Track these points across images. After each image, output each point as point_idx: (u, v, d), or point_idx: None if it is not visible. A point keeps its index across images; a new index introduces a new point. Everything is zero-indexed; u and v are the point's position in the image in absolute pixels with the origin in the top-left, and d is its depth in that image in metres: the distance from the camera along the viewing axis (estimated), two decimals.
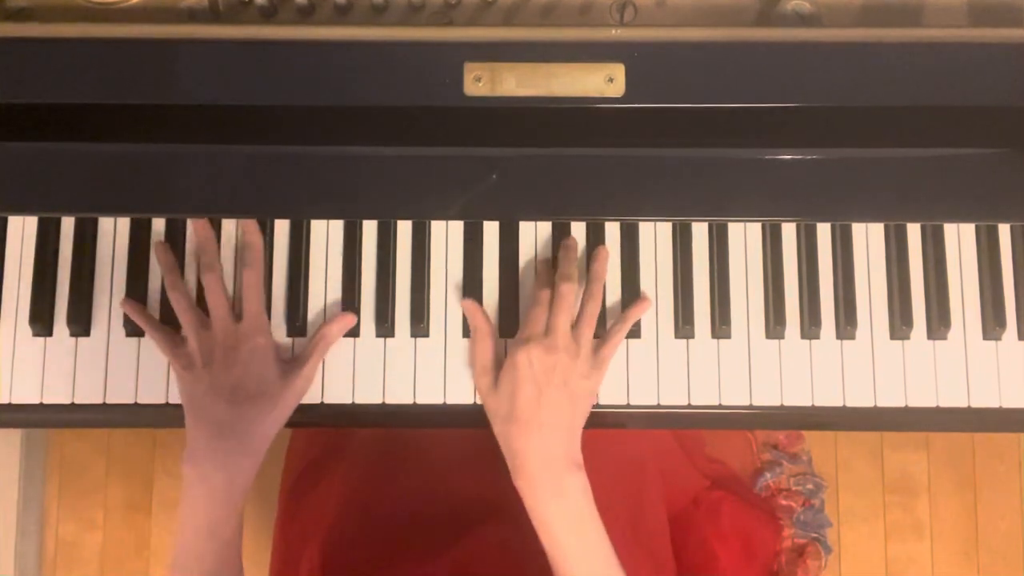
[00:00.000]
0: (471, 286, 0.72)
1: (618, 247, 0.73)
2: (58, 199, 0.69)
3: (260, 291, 0.69)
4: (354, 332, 0.72)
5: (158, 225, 0.73)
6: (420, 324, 0.71)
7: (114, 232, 0.73)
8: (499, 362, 0.69)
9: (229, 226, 0.73)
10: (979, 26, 0.70)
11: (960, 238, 0.74)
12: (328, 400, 0.71)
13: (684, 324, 0.72)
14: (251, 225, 0.71)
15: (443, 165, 0.68)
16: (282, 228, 0.73)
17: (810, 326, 0.72)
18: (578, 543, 0.64)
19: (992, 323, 0.72)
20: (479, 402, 0.71)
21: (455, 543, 0.76)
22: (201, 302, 0.70)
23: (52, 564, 1.52)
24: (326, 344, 0.70)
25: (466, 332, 0.72)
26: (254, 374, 0.66)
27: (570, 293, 0.68)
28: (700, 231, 0.74)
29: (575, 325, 0.68)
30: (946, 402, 0.72)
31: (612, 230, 0.73)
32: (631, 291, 0.72)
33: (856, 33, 0.68)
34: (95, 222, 0.73)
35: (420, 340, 0.72)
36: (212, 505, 0.63)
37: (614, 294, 0.73)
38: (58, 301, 0.72)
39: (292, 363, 0.69)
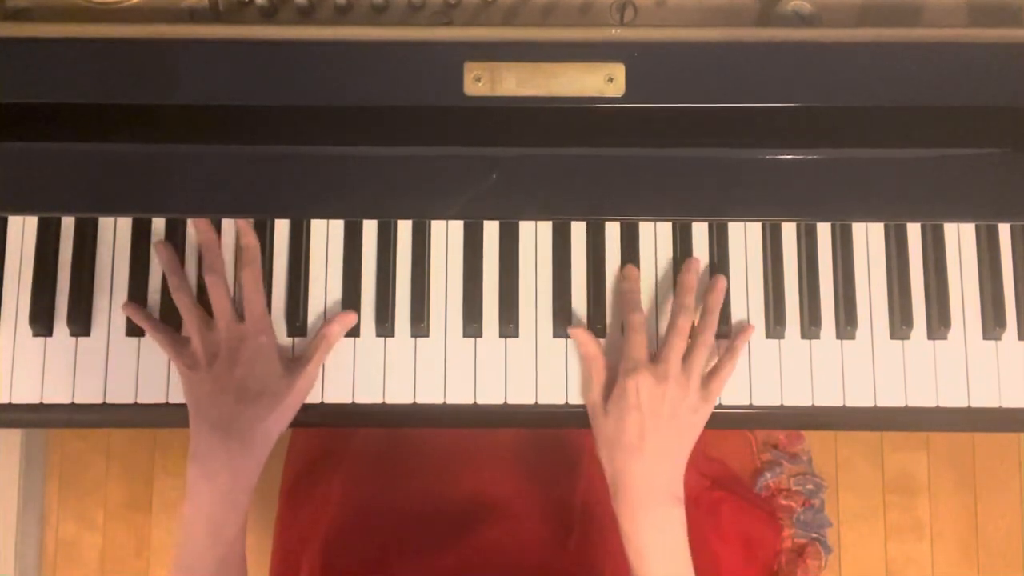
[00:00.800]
0: (471, 286, 0.72)
1: (618, 247, 0.73)
2: (58, 199, 0.69)
3: (261, 291, 0.69)
4: (354, 332, 0.72)
5: (158, 225, 0.73)
6: (420, 324, 0.71)
7: (114, 232, 0.73)
8: (610, 385, 0.68)
9: (229, 226, 0.73)
10: (979, 26, 0.70)
11: (960, 238, 0.74)
12: (328, 400, 0.71)
13: None
14: (247, 226, 0.71)
15: (443, 165, 0.68)
16: (282, 228, 0.73)
17: (810, 326, 0.72)
18: (667, 574, 0.64)
19: (992, 323, 0.72)
20: (479, 402, 0.71)
21: (455, 543, 0.76)
22: (203, 303, 0.70)
23: (52, 564, 1.52)
24: (328, 343, 0.70)
25: (466, 332, 0.72)
26: (258, 373, 0.66)
27: (687, 324, 0.68)
28: (700, 231, 0.74)
29: (686, 356, 0.68)
30: (946, 402, 0.72)
31: (612, 230, 0.73)
32: None
33: (856, 33, 0.68)
34: (95, 222, 0.73)
35: (420, 340, 0.72)
36: (216, 505, 0.63)
37: (613, 293, 0.73)
38: (58, 301, 0.72)
39: (295, 362, 0.69)
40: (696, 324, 0.70)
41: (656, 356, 0.67)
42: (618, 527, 0.65)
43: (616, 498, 0.65)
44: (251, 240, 0.71)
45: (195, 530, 0.63)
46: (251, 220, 0.72)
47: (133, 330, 0.71)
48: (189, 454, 0.64)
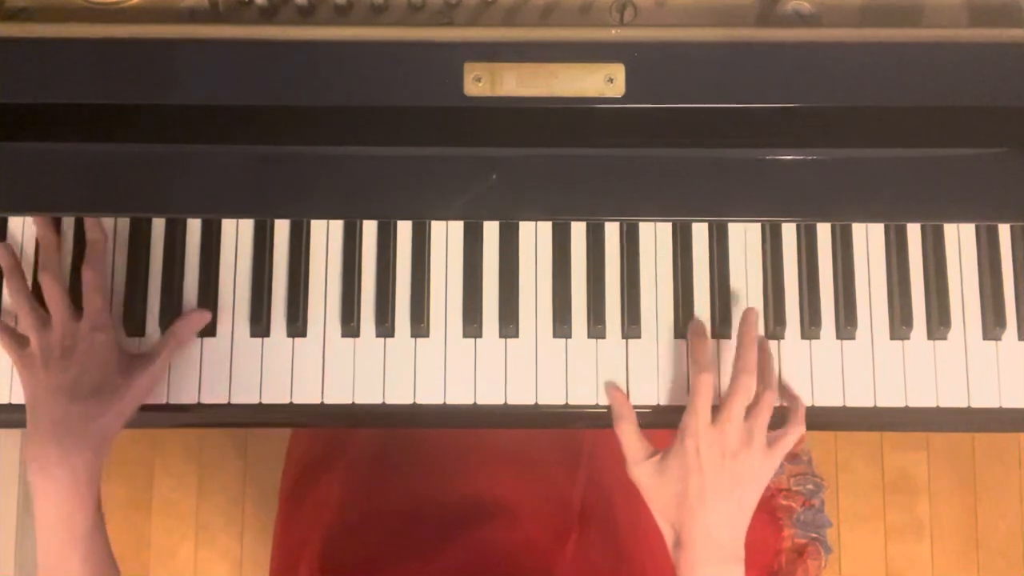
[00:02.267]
0: (471, 286, 0.72)
1: (618, 247, 0.73)
2: (58, 199, 0.69)
3: (100, 288, 0.69)
4: (354, 332, 0.72)
5: (158, 225, 0.73)
6: (420, 324, 0.71)
7: (114, 232, 0.73)
8: (649, 447, 0.68)
9: (229, 227, 0.73)
10: (979, 26, 0.70)
11: (960, 238, 0.74)
12: (328, 400, 0.71)
13: (684, 324, 0.72)
14: (92, 222, 0.71)
15: (443, 165, 0.68)
16: (282, 228, 0.73)
17: (810, 326, 0.72)
18: None
19: (992, 323, 0.72)
20: (479, 402, 0.71)
21: (454, 543, 0.76)
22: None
23: None
24: (176, 341, 0.69)
25: (466, 332, 0.72)
26: (92, 372, 0.65)
27: (752, 385, 0.66)
28: (700, 231, 0.74)
29: (748, 415, 0.66)
30: (946, 402, 0.72)
31: (612, 230, 0.73)
32: (631, 291, 0.72)
33: (856, 33, 0.68)
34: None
35: (420, 340, 0.72)
36: (60, 502, 0.63)
37: (613, 293, 0.73)
38: None
39: (138, 359, 0.68)
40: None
41: (718, 416, 0.65)
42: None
43: (676, 551, 0.65)
44: (96, 236, 0.70)
45: (46, 531, 0.63)
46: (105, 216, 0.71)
47: (133, 330, 0.71)
48: (27, 457, 0.64)
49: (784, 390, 0.72)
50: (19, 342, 0.68)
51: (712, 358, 0.69)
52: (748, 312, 0.70)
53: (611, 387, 0.71)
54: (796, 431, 0.68)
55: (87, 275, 0.69)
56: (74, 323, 0.67)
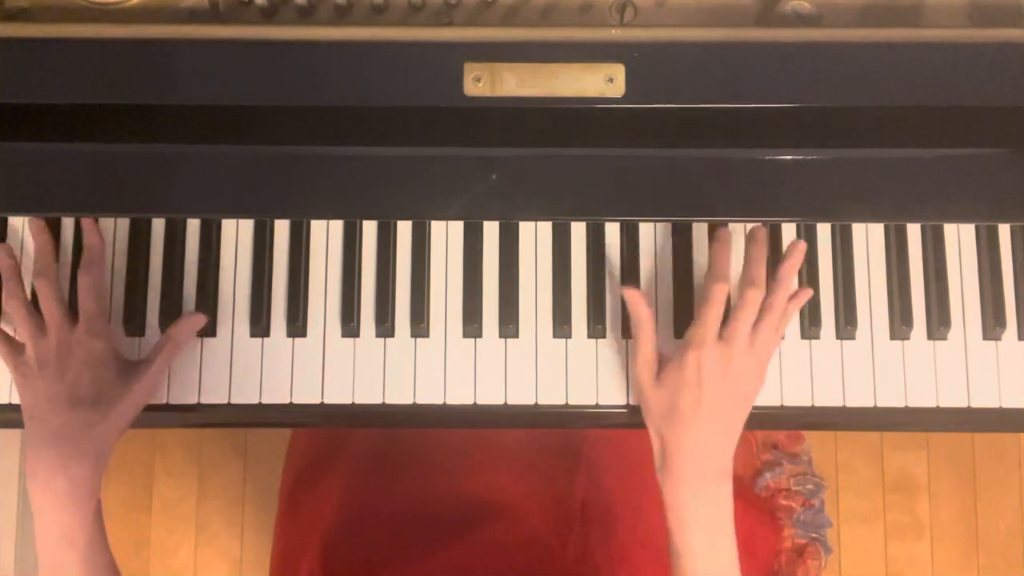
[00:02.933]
0: (471, 286, 0.72)
1: (618, 247, 0.73)
2: (58, 199, 0.69)
3: (96, 293, 0.68)
4: (354, 332, 0.72)
5: (158, 225, 0.73)
6: (420, 324, 0.71)
7: (114, 232, 0.73)
8: (660, 354, 0.67)
9: (229, 227, 0.73)
10: (979, 26, 0.70)
11: (960, 238, 0.74)
12: (328, 400, 0.71)
13: (684, 325, 0.72)
14: (91, 225, 0.70)
15: (443, 165, 0.68)
16: (282, 228, 0.73)
17: (810, 326, 0.72)
18: (710, 551, 0.63)
19: (992, 323, 0.72)
20: (479, 402, 0.71)
21: (455, 543, 0.76)
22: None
23: None
24: (173, 345, 0.69)
25: (466, 332, 0.72)
26: (90, 378, 0.65)
27: (757, 299, 0.66)
28: (700, 231, 0.74)
29: (754, 327, 0.65)
30: (946, 402, 0.72)
31: (612, 230, 0.73)
32: None
33: (856, 33, 0.68)
34: (95, 222, 0.73)
35: (420, 340, 0.72)
36: (60, 512, 0.62)
37: (614, 295, 0.73)
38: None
39: (135, 365, 0.68)
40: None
41: (724, 330, 0.65)
42: (661, 498, 0.64)
43: (662, 468, 0.64)
44: (93, 240, 0.70)
45: (47, 542, 0.63)
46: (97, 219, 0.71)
47: (132, 330, 0.71)
48: (26, 467, 0.63)
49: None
50: (15, 349, 0.68)
51: (723, 275, 0.67)
52: (756, 229, 0.69)
53: (627, 290, 0.68)
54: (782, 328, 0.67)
55: (83, 280, 0.68)
56: (70, 330, 0.66)
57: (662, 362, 0.67)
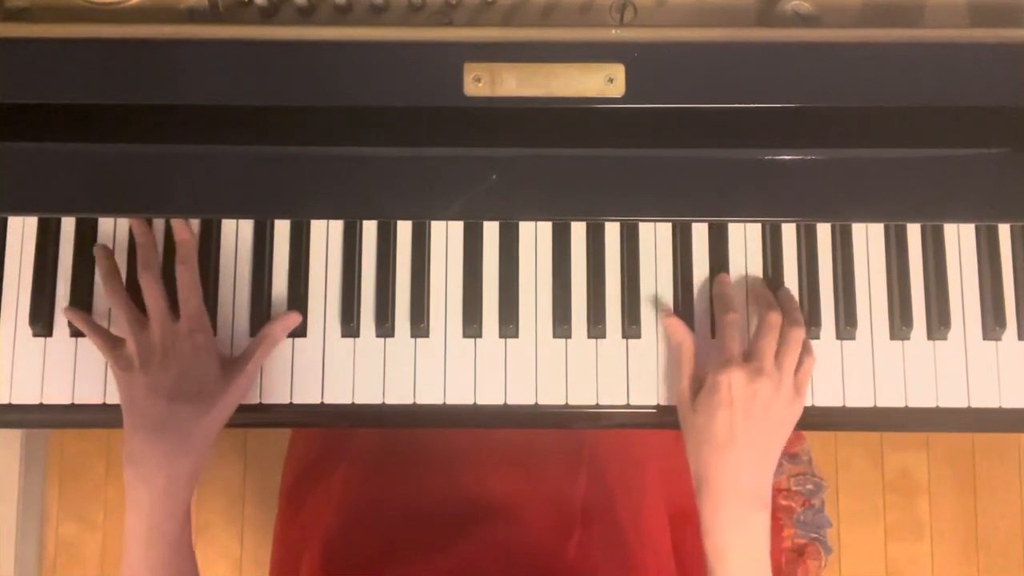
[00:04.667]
0: (471, 286, 0.72)
1: (618, 247, 0.73)
2: (58, 199, 0.69)
3: (197, 288, 0.69)
4: (354, 332, 0.72)
5: (158, 225, 0.73)
6: (420, 324, 0.71)
7: (114, 232, 0.73)
8: (699, 379, 0.68)
9: (229, 227, 0.73)
10: (979, 26, 0.70)
11: (960, 238, 0.74)
12: (328, 400, 0.71)
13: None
14: (181, 223, 0.71)
15: (443, 165, 0.68)
16: (282, 228, 0.73)
17: (810, 326, 0.72)
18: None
19: (992, 323, 0.72)
20: (479, 402, 0.71)
21: (455, 543, 0.76)
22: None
23: (52, 564, 1.52)
24: (270, 343, 0.70)
25: (466, 332, 0.72)
26: (193, 373, 0.65)
27: (776, 321, 0.68)
28: (700, 231, 0.74)
29: (778, 352, 0.67)
30: (946, 402, 0.72)
31: (612, 230, 0.73)
32: (631, 291, 0.72)
33: (856, 33, 0.68)
34: (95, 222, 0.73)
35: (420, 340, 0.72)
36: (155, 506, 0.63)
37: (613, 293, 0.73)
38: (58, 301, 0.72)
39: (235, 361, 0.69)
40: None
41: (748, 353, 0.67)
42: (699, 523, 0.64)
43: (700, 493, 0.65)
44: (185, 236, 0.70)
45: (137, 533, 0.63)
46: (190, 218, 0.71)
47: None
48: (124, 458, 0.64)
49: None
50: (115, 343, 0.68)
51: (732, 301, 0.70)
52: (758, 285, 0.72)
53: (666, 318, 0.71)
54: (810, 361, 0.69)
55: (183, 276, 0.68)
56: (173, 324, 0.67)
57: (700, 388, 0.68)
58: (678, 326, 0.70)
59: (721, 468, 0.64)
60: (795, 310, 0.70)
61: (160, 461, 0.63)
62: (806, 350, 0.69)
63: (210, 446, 0.66)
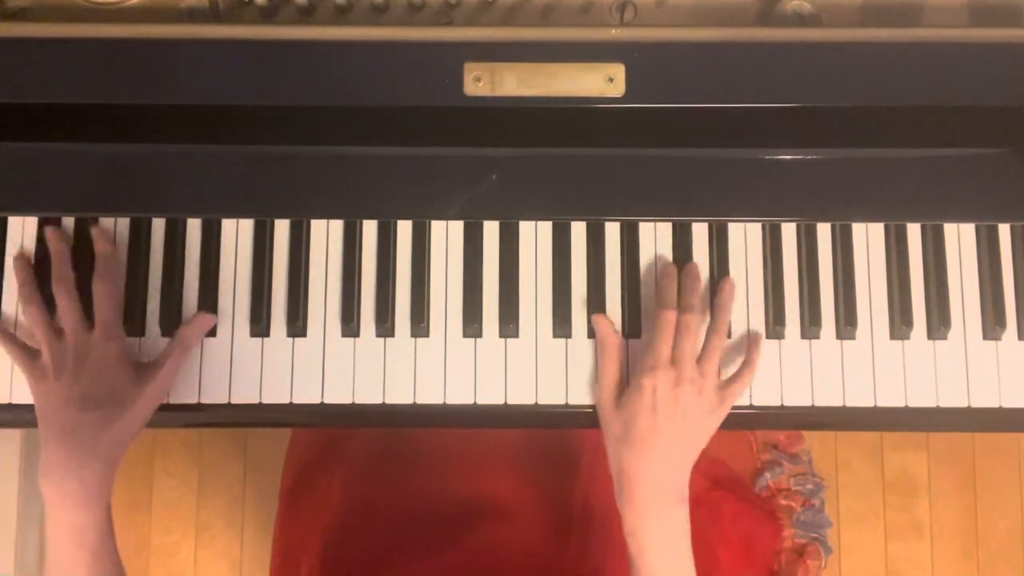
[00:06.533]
0: (471, 286, 0.72)
1: (618, 247, 0.73)
2: (58, 199, 0.69)
3: (112, 298, 0.69)
4: (354, 332, 0.72)
5: (158, 225, 0.73)
6: (420, 324, 0.71)
7: (114, 232, 0.73)
8: (623, 380, 0.69)
9: (229, 227, 0.73)
10: (979, 26, 0.70)
11: (960, 238, 0.74)
12: (328, 400, 0.71)
13: None
14: (100, 233, 0.71)
15: (443, 165, 0.68)
16: (282, 228, 0.73)
17: (810, 326, 0.72)
18: (670, 573, 0.65)
19: (992, 323, 0.72)
20: (479, 402, 0.71)
21: (455, 543, 0.76)
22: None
23: None
24: (184, 347, 0.69)
25: (466, 332, 0.72)
26: (104, 381, 0.65)
27: (695, 324, 0.68)
28: (700, 231, 0.74)
29: (700, 358, 0.68)
30: (946, 402, 0.72)
31: (612, 230, 0.73)
32: (631, 291, 0.72)
33: (856, 33, 0.68)
34: (95, 222, 0.73)
35: (420, 340, 0.72)
36: (72, 513, 0.63)
37: (614, 293, 0.73)
38: None
39: (147, 367, 0.68)
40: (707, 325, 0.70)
41: (672, 358, 0.67)
42: (621, 524, 0.65)
43: (621, 495, 0.65)
44: (104, 247, 0.70)
45: (57, 542, 0.63)
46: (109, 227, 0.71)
47: (131, 330, 0.71)
48: (40, 466, 0.64)
49: (743, 337, 0.72)
50: (30, 354, 0.68)
51: (673, 300, 0.70)
52: (691, 265, 0.71)
53: (596, 317, 0.71)
54: (749, 375, 0.69)
55: (99, 287, 0.68)
56: (86, 334, 0.67)
57: (623, 389, 0.68)
58: (607, 326, 0.70)
59: (641, 469, 0.64)
60: (722, 312, 0.70)
61: (72, 468, 0.63)
62: (748, 366, 0.69)
63: (122, 451, 0.66)
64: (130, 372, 0.67)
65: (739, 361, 0.70)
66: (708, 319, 0.71)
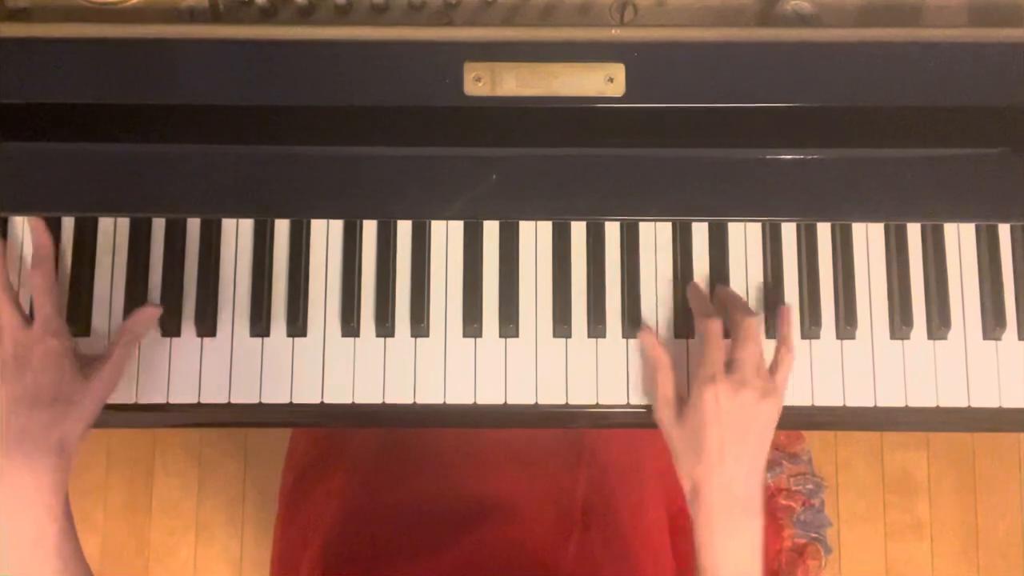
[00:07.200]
0: (471, 286, 0.72)
1: (618, 247, 0.73)
2: (58, 199, 0.69)
3: (51, 292, 0.67)
4: (354, 332, 0.72)
5: (158, 225, 0.73)
6: (420, 324, 0.71)
7: (114, 232, 0.73)
8: (679, 394, 0.69)
9: (229, 227, 0.73)
10: (979, 26, 0.70)
11: (960, 238, 0.74)
12: (328, 400, 0.71)
13: (684, 324, 0.72)
14: (38, 224, 0.70)
15: (443, 165, 0.68)
16: (282, 228, 0.73)
17: (810, 326, 0.72)
18: None
19: (992, 323, 0.72)
20: (479, 402, 0.71)
21: (456, 543, 0.76)
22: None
23: None
24: (130, 337, 0.68)
25: (466, 332, 0.72)
26: (48, 378, 0.64)
27: (756, 327, 0.67)
28: (700, 231, 0.74)
29: (772, 368, 0.68)
30: (946, 402, 0.72)
31: (612, 230, 0.73)
32: (631, 291, 0.72)
33: (856, 33, 0.68)
34: (95, 222, 0.73)
35: (420, 340, 0.72)
36: (27, 512, 0.62)
37: (613, 293, 0.73)
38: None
39: (94, 361, 0.67)
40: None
41: (730, 364, 0.66)
42: (692, 535, 0.65)
43: (694, 504, 0.65)
44: (43, 238, 0.69)
45: (15, 544, 0.62)
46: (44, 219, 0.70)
47: None
48: None
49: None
50: None
51: (709, 311, 0.69)
52: (722, 289, 0.72)
53: (643, 334, 0.70)
54: (789, 357, 0.69)
55: (35, 280, 0.67)
56: (26, 331, 0.66)
57: (681, 402, 0.68)
58: (653, 342, 0.70)
59: (714, 482, 0.64)
60: (789, 324, 0.70)
61: (24, 467, 0.62)
62: (786, 347, 0.69)
63: (74, 449, 0.65)
64: (73, 368, 0.65)
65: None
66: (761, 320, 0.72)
